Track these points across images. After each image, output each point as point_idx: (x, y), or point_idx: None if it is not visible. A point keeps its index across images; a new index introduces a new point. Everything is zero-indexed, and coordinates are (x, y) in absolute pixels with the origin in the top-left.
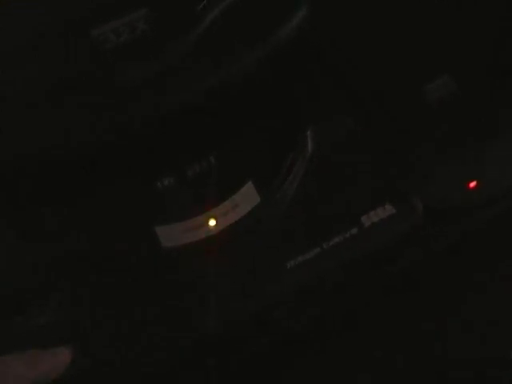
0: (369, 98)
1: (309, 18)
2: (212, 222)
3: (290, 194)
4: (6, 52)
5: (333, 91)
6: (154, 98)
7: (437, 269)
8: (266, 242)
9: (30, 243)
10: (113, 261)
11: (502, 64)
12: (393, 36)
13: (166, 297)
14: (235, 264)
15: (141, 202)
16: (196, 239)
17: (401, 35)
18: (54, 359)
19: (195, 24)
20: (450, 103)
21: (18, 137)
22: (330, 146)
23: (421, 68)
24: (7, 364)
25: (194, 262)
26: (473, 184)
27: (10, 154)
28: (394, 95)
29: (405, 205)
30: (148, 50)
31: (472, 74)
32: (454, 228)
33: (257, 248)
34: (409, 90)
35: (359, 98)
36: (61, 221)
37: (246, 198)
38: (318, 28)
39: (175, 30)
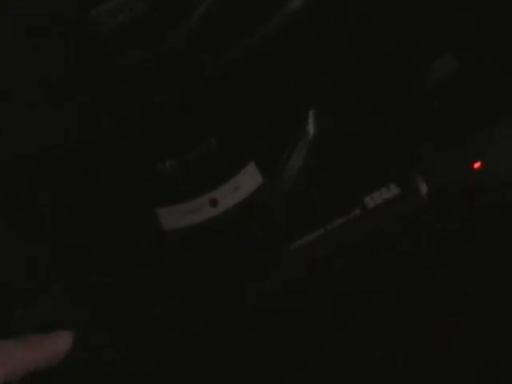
0: (371, 79)
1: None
2: (214, 204)
3: (292, 176)
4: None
5: (335, 73)
6: (156, 79)
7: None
8: (269, 224)
9: (31, 233)
10: (114, 248)
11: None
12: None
13: (167, 291)
14: (237, 246)
15: (142, 184)
16: (198, 221)
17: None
18: (55, 343)
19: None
20: (453, 84)
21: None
22: (332, 127)
23: (423, 47)
24: (6, 348)
25: (196, 245)
26: (477, 165)
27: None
28: (396, 78)
29: (409, 185)
30: (148, 30)
31: (474, 55)
32: (458, 211)
33: (259, 230)
34: (411, 72)
35: (363, 80)
36: (62, 208)
37: (249, 179)
38: (318, 14)
39: (176, 10)
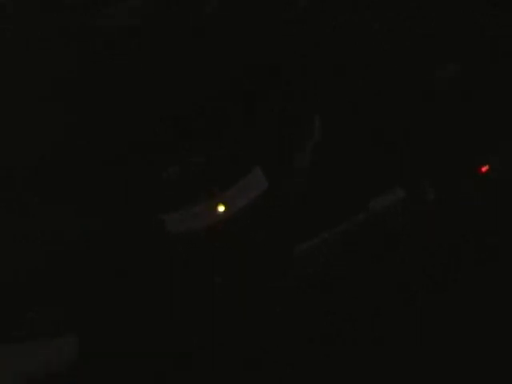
0: (376, 84)
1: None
2: (220, 208)
3: (298, 179)
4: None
5: (339, 79)
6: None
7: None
8: (274, 228)
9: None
10: (120, 249)
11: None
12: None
13: (172, 292)
14: (244, 250)
15: (148, 189)
16: (203, 225)
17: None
18: (55, 350)
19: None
20: (458, 90)
21: None
22: (338, 131)
23: (428, 55)
24: (7, 354)
25: (200, 250)
26: (484, 169)
27: None
28: (401, 81)
29: (415, 189)
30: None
31: (476, 61)
32: (465, 214)
33: (265, 233)
34: (417, 76)
35: (368, 84)
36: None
37: (255, 183)
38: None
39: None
